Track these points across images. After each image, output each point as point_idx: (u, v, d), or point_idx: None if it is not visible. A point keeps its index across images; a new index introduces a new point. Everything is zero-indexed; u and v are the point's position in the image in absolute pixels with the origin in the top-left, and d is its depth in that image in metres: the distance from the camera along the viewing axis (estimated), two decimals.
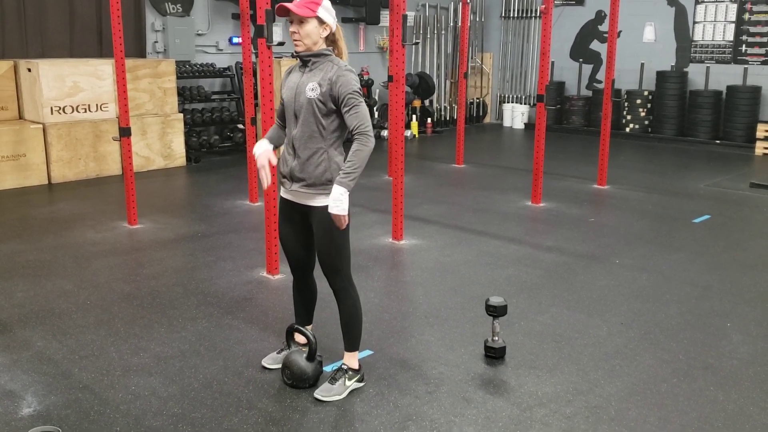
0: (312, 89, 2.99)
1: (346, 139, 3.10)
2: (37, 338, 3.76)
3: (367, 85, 11.01)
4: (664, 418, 3.04)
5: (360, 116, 2.96)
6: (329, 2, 3.06)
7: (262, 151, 3.17)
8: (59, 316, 4.06)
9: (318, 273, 3.30)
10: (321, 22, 3.00)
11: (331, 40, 3.08)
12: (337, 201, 2.90)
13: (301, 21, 2.97)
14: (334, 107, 3.00)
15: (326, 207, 2.98)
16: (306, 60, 3.05)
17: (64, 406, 3.09)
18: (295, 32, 2.99)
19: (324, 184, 3.04)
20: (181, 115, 8.57)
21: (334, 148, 3.07)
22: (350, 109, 2.97)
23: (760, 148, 9.75)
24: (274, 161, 3.19)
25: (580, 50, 11.97)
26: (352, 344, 3.25)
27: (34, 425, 2.91)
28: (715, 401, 3.19)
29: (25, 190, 7.23)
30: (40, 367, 3.44)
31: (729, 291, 4.55)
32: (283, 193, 3.20)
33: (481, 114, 13.04)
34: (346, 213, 2.94)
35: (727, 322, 4.05)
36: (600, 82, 11.62)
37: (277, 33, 9.92)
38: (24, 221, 6.12)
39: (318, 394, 3.15)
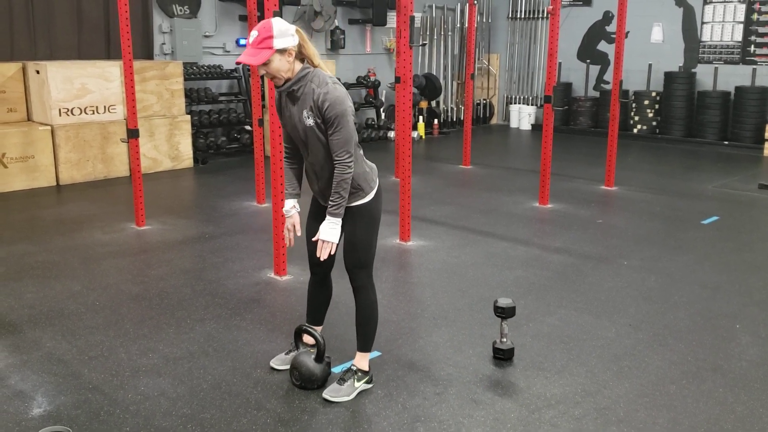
0: (307, 117, 2.97)
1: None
2: (47, 339, 3.78)
3: (374, 87, 11.02)
4: (673, 419, 3.04)
5: (340, 142, 2.92)
6: (281, 23, 2.90)
7: (290, 216, 3.20)
8: (68, 317, 4.07)
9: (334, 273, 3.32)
10: (282, 51, 2.88)
11: (298, 51, 2.96)
12: (330, 231, 2.99)
13: (265, 63, 2.89)
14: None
15: (358, 206, 3.08)
16: (291, 92, 2.99)
17: (74, 406, 3.10)
18: (264, 74, 2.94)
19: (354, 189, 3.06)
20: (189, 116, 8.59)
21: (357, 165, 3.06)
22: (333, 132, 2.93)
23: None
24: (299, 227, 3.22)
25: (588, 51, 11.95)
26: (364, 345, 3.26)
27: (45, 425, 2.92)
28: (724, 403, 3.18)
29: (33, 192, 7.26)
30: (50, 367, 3.46)
31: (738, 292, 4.53)
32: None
33: (488, 115, 13.03)
34: (337, 241, 3.02)
35: (736, 324, 4.04)
36: (607, 83, 11.60)
37: None
38: (33, 223, 6.14)
39: (326, 394, 3.16)
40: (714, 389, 3.30)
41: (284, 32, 2.88)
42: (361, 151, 3.13)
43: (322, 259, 3.04)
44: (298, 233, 3.23)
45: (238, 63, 2.92)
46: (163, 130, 8.31)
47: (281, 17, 3.26)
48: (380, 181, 3.21)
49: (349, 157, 2.94)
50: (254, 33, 2.88)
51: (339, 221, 3.00)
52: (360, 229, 3.11)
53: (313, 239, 3.08)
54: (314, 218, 3.22)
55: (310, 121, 2.96)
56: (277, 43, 2.86)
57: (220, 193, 7.33)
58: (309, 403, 3.14)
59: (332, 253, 3.05)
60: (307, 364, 3.23)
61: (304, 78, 2.95)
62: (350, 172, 2.95)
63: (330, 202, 3.00)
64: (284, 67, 2.91)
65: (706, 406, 3.14)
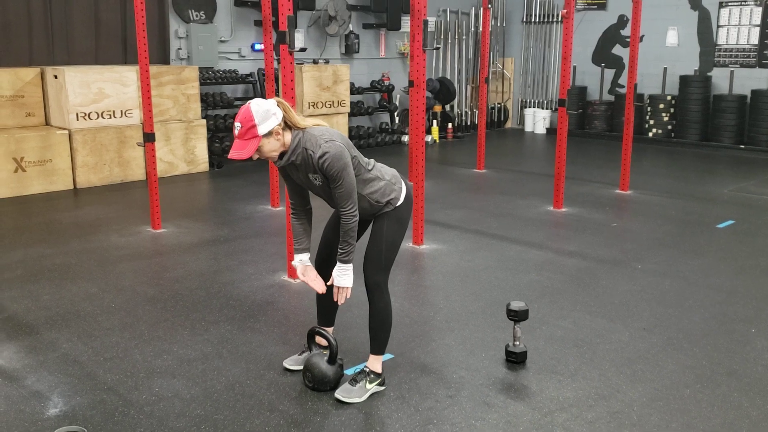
0: (315, 179, 3.02)
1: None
2: (63, 340, 3.82)
3: (387, 91, 11.04)
4: (687, 423, 3.02)
5: (343, 195, 2.96)
6: (260, 105, 2.86)
7: (302, 270, 3.18)
8: (84, 319, 4.12)
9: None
10: (269, 134, 2.87)
11: (284, 122, 2.93)
12: (343, 277, 3.07)
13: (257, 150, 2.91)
14: None
15: (389, 210, 3.16)
16: (291, 163, 3.01)
17: (89, 407, 3.13)
18: (259, 158, 2.95)
19: (384, 206, 3.15)
20: (204, 120, 8.65)
21: (371, 185, 3.12)
22: (335, 187, 2.96)
23: None
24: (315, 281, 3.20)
25: (603, 55, 11.91)
26: (378, 347, 3.27)
27: (60, 425, 2.96)
28: (739, 407, 3.15)
29: (51, 195, 7.34)
30: (65, 368, 3.49)
31: (753, 296, 4.50)
32: None
33: (502, 119, 13.02)
34: (351, 284, 3.09)
35: (751, 328, 4.01)
36: (622, 86, 11.55)
37: (299, 39, 9.99)
38: (50, 226, 6.21)
39: (338, 393, 3.18)
40: (729, 393, 3.28)
41: (266, 115, 2.85)
42: (371, 168, 3.15)
43: (340, 303, 3.15)
44: (319, 290, 3.18)
45: (230, 158, 2.91)
46: (179, 134, 8.37)
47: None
48: (405, 183, 3.24)
49: (353, 207, 3.00)
50: (237, 125, 2.85)
51: (350, 266, 3.07)
52: (388, 227, 3.16)
53: (328, 283, 3.16)
54: (336, 220, 3.28)
55: (319, 182, 3.02)
56: (262, 129, 2.84)
57: (234, 196, 7.38)
58: (321, 404, 3.16)
59: (348, 297, 3.12)
60: (319, 366, 3.25)
61: (298, 146, 2.95)
62: (355, 220, 3.01)
63: (339, 250, 3.06)
64: (275, 146, 2.92)
65: (721, 411, 3.13)
